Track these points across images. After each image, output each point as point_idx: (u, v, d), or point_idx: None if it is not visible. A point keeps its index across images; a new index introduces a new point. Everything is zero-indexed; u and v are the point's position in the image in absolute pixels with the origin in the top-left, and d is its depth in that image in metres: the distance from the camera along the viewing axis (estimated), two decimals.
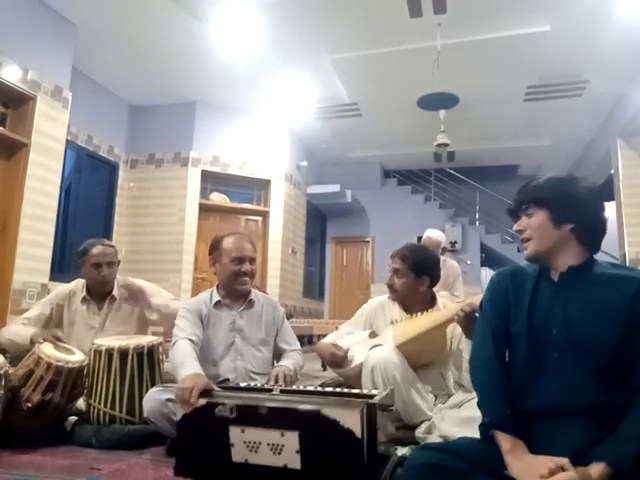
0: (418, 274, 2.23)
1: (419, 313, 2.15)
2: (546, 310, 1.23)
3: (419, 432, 1.91)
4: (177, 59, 5.88)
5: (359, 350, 2.19)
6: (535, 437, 1.16)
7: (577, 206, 1.23)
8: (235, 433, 1.53)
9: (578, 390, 1.16)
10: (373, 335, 2.29)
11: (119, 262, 2.65)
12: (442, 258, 4.29)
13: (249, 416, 1.52)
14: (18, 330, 2.41)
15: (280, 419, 1.50)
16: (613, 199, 7.06)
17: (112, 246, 2.66)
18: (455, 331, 2.08)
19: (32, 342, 2.28)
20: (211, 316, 2.18)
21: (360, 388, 2.07)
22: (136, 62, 5.98)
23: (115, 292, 2.60)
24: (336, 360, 2.20)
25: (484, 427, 1.20)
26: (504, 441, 1.13)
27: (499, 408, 1.19)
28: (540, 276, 1.30)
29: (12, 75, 4.51)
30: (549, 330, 1.21)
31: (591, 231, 1.25)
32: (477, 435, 1.25)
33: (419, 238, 8.11)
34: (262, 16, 4.96)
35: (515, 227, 1.31)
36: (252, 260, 2.23)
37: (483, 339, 1.32)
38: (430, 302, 2.30)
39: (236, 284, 2.20)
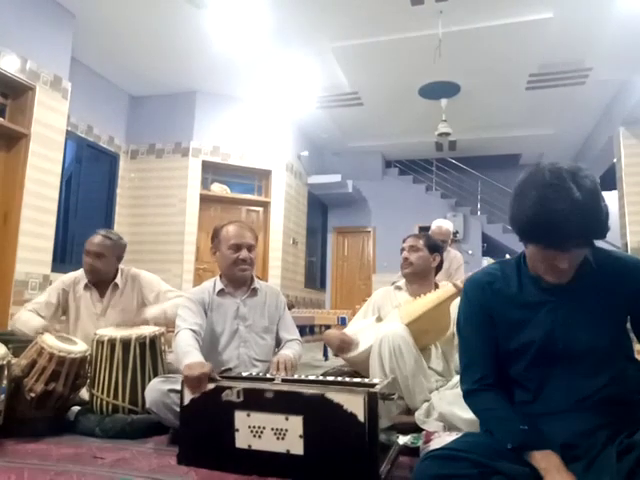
0: (431, 251, 2.45)
1: (422, 295, 2.25)
2: (548, 325, 1.18)
3: (419, 414, 1.94)
4: (177, 48, 5.84)
5: (366, 335, 2.26)
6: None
7: None
8: (240, 418, 1.55)
9: (584, 390, 1.15)
10: (379, 320, 2.38)
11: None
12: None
13: (255, 400, 1.54)
14: (28, 319, 2.47)
15: (285, 403, 1.51)
16: (615, 188, 7.04)
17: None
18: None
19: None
20: (214, 304, 2.20)
21: (366, 374, 2.11)
22: (136, 51, 5.94)
23: (118, 280, 2.62)
24: (344, 345, 2.26)
25: (511, 451, 1.12)
26: (536, 461, 1.07)
27: (514, 429, 1.13)
28: (522, 281, 1.22)
29: (11, 65, 4.48)
30: (554, 345, 1.17)
31: None
32: (470, 412, 1.27)
33: (420, 228, 8.13)
34: (262, 4, 4.92)
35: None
36: (250, 247, 2.23)
37: (470, 361, 1.27)
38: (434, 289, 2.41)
39: (235, 271, 2.21)
